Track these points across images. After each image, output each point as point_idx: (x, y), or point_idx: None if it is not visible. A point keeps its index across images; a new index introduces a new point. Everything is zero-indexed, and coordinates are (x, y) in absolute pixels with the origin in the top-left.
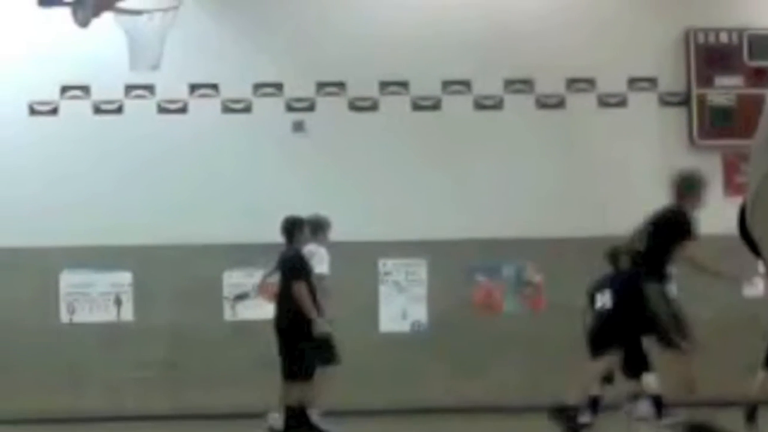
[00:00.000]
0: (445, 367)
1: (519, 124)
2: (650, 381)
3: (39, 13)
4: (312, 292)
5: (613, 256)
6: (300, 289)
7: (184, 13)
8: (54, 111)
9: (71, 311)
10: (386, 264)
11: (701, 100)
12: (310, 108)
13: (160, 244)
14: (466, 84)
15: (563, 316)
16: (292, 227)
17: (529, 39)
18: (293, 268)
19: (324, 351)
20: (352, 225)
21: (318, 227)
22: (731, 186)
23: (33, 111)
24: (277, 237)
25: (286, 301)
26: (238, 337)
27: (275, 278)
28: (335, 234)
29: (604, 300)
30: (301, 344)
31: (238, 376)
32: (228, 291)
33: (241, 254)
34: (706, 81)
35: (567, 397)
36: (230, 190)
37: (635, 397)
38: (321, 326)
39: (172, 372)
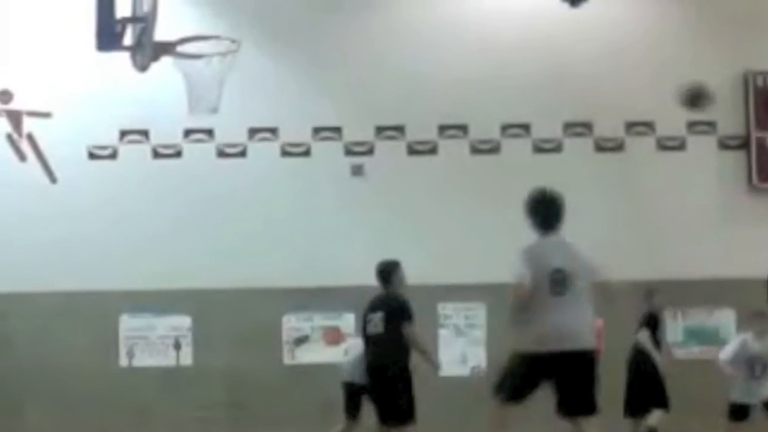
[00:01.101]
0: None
1: (578, 167)
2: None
3: (98, 57)
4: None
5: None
6: (414, 332)
7: (243, 57)
8: (113, 155)
9: (131, 355)
10: (445, 308)
11: (760, 144)
12: (369, 152)
13: (218, 287)
14: (525, 127)
15: (623, 360)
16: (389, 270)
17: (588, 82)
18: (401, 310)
19: None
20: (411, 269)
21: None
22: None
23: (92, 155)
24: (336, 280)
25: (389, 343)
26: (297, 380)
27: (341, 322)
28: None
29: None
30: (403, 387)
31: (297, 419)
32: (287, 335)
33: (300, 298)
34: (765, 124)
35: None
36: (289, 234)
37: None
38: (437, 366)
39: (233, 412)
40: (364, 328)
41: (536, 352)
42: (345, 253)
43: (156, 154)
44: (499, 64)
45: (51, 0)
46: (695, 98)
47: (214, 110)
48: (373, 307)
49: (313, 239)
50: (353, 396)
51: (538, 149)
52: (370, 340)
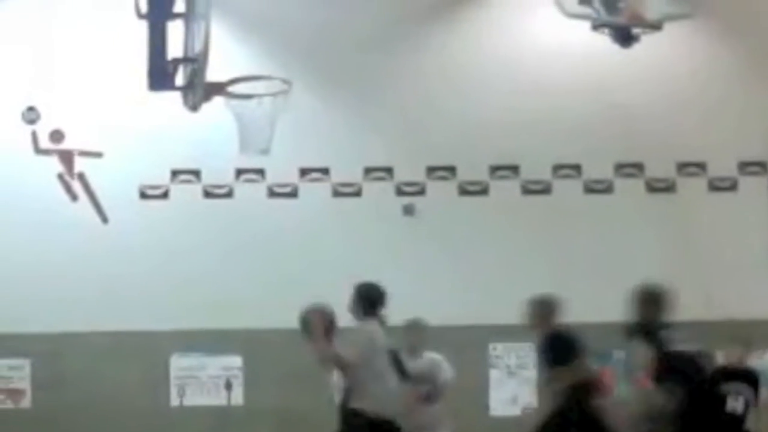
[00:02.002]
0: None
1: (629, 207)
2: None
3: (150, 97)
4: None
5: None
6: None
7: (294, 97)
8: (164, 195)
9: (182, 394)
10: (496, 348)
11: None
12: (421, 192)
13: (269, 327)
14: (576, 168)
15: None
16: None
17: (639, 122)
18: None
19: None
20: (462, 309)
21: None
22: None
23: (143, 195)
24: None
25: None
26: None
27: None
28: (446, 318)
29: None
30: None
31: None
32: (338, 375)
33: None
34: None
35: None
36: (339, 274)
37: None
38: None
39: None
40: None
41: None
42: (395, 293)
43: (207, 194)
44: (551, 104)
45: (103, 40)
46: None
47: (266, 151)
48: None
49: (364, 279)
50: None
51: (590, 190)
52: None
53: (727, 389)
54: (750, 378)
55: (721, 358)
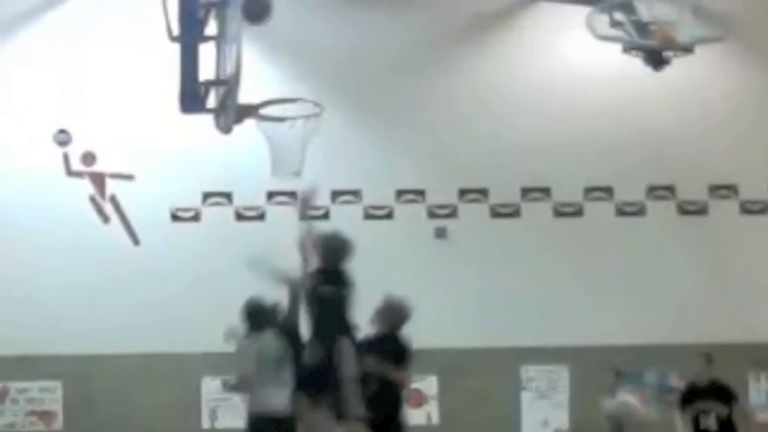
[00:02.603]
0: None
1: (660, 230)
2: None
3: (181, 120)
4: None
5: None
6: None
7: (326, 120)
8: (196, 217)
9: (213, 417)
10: (528, 370)
11: None
12: (453, 214)
13: None
14: (607, 190)
15: None
16: None
17: (671, 145)
18: None
19: None
20: (493, 331)
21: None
22: None
23: (175, 217)
24: (419, 343)
25: None
26: None
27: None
28: (478, 340)
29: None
30: None
31: None
32: None
33: None
34: None
35: None
36: (371, 296)
37: None
38: None
39: None
40: None
41: None
42: (427, 316)
43: (239, 217)
44: (582, 127)
45: (134, 62)
46: None
47: (298, 173)
48: None
49: None
50: None
51: (621, 212)
52: None
53: (698, 408)
54: (720, 394)
55: (752, 380)
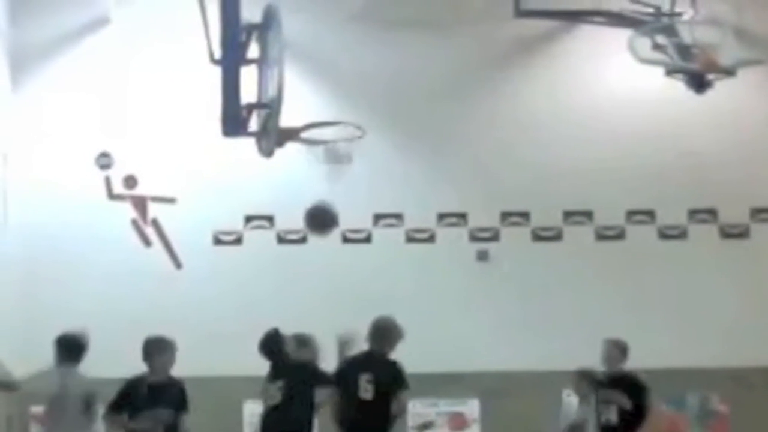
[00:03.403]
0: None
1: (703, 253)
2: None
3: (223, 143)
4: None
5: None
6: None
7: (367, 143)
8: (238, 240)
9: None
10: (570, 394)
11: None
12: (494, 237)
13: None
14: (649, 213)
15: None
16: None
17: (713, 168)
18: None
19: None
20: (535, 354)
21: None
22: None
23: (217, 240)
24: (461, 366)
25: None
26: None
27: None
28: (520, 364)
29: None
30: None
31: None
32: (412, 420)
33: (425, 384)
34: None
35: None
36: (413, 319)
37: None
38: None
39: None
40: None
41: None
42: (469, 339)
43: (280, 240)
44: (625, 150)
45: (176, 85)
46: None
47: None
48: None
49: (438, 324)
50: None
51: (663, 236)
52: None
53: (600, 398)
54: (624, 383)
55: None
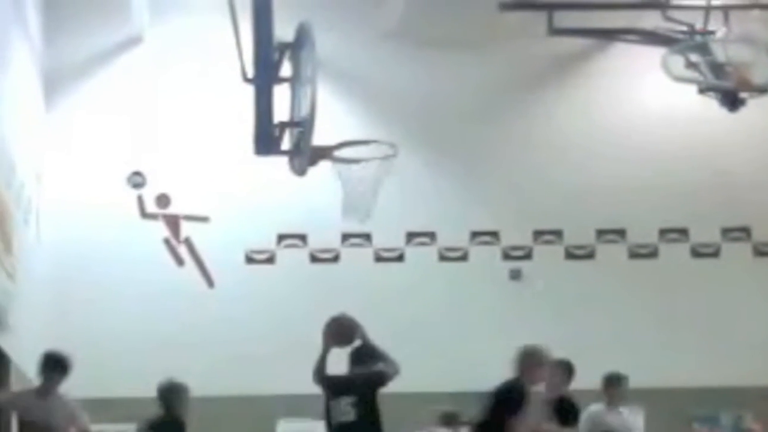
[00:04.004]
0: None
1: (736, 272)
2: None
3: (256, 162)
4: None
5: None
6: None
7: (400, 162)
8: (270, 259)
9: None
10: None
11: None
12: (527, 256)
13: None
14: (683, 232)
15: None
16: None
17: (746, 187)
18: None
19: None
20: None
21: None
22: None
23: (249, 259)
24: (495, 385)
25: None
26: None
27: None
28: None
29: None
30: None
31: None
32: None
33: (458, 402)
34: None
35: None
36: (446, 338)
37: None
38: None
39: None
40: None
41: None
42: (502, 358)
43: (314, 259)
44: (658, 169)
45: (209, 104)
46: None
47: (367, 215)
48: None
49: (471, 343)
50: None
51: (696, 254)
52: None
53: None
54: (561, 407)
55: None
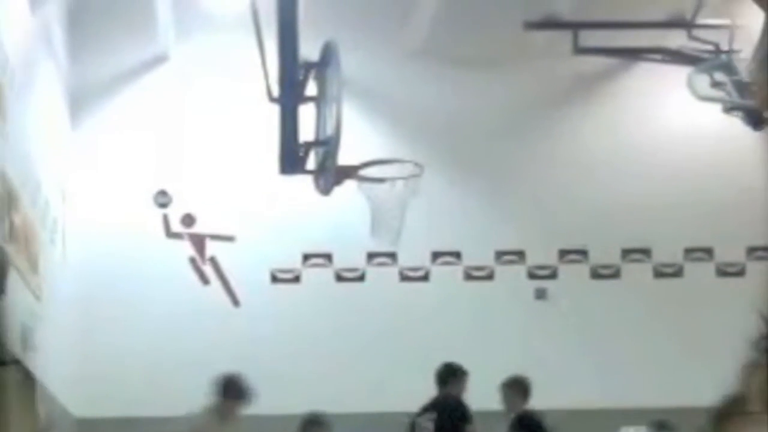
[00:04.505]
0: None
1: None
2: None
3: (281, 181)
4: None
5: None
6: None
7: (425, 181)
8: (296, 279)
9: None
10: (629, 431)
11: None
12: (553, 275)
13: (405, 411)
14: (708, 251)
15: None
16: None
17: None
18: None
19: None
20: (592, 392)
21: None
22: None
23: (275, 278)
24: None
25: None
26: None
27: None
28: (579, 401)
29: None
30: None
31: None
32: None
33: (488, 421)
34: None
35: None
36: (472, 358)
37: None
38: None
39: None
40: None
41: None
42: (528, 377)
43: (339, 278)
44: (683, 188)
45: (234, 123)
46: None
47: (397, 234)
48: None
49: (497, 363)
50: None
51: (722, 273)
52: None
53: None
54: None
55: None
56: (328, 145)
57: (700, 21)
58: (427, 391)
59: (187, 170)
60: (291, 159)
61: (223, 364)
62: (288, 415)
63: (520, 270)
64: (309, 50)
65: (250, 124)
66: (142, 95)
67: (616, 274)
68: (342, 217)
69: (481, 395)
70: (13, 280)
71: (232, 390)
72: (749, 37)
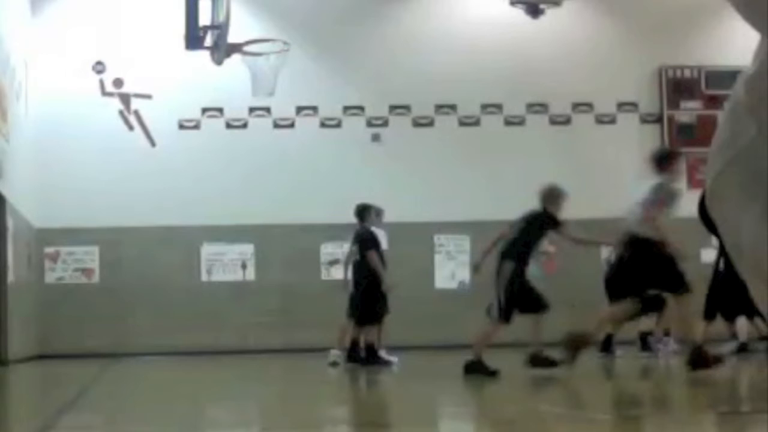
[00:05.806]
0: (481, 314)
1: (536, 138)
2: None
3: (186, 54)
4: (382, 260)
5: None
6: (373, 257)
7: (292, 54)
8: (197, 126)
9: (209, 273)
10: (439, 238)
11: (671, 119)
12: (385, 124)
13: (274, 223)
14: (498, 106)
15: (568, 277)
16: (363, 211)
17: (545, 74)
18: (367, 241)
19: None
20: (414, 209)
21: (376, 214)
22: (693, 182)
23: (182, 126)
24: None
25: (362, 266)
26: (330, 292)
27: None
28: (403, 216)
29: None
30: (372, 298)
31: (331, 322)
32: (324, 258)
33: (334, 231)
34: (674, 105)
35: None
36: (326, 184)
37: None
38: (387, 285)
39: (284, 317)
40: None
41: None
42: (367, 198)
43: (228, 126)
44: (479, 60)
45: (153, 12)
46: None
47: (271, 94)
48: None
49: (343, 188)
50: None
51: (508, 123)
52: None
53: None
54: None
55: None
56: (220, 28)
57: None
58: (297, 208)
59: (118, 45)
60: (193, 38)
61: (145, 187)
62: (191, 226)
63: (361, 120)
64: None
65: (165, 11)
66: None
67: (431, 124)
68: (231, 81)
69: (332, 213)
70: None
71: None
72: None
